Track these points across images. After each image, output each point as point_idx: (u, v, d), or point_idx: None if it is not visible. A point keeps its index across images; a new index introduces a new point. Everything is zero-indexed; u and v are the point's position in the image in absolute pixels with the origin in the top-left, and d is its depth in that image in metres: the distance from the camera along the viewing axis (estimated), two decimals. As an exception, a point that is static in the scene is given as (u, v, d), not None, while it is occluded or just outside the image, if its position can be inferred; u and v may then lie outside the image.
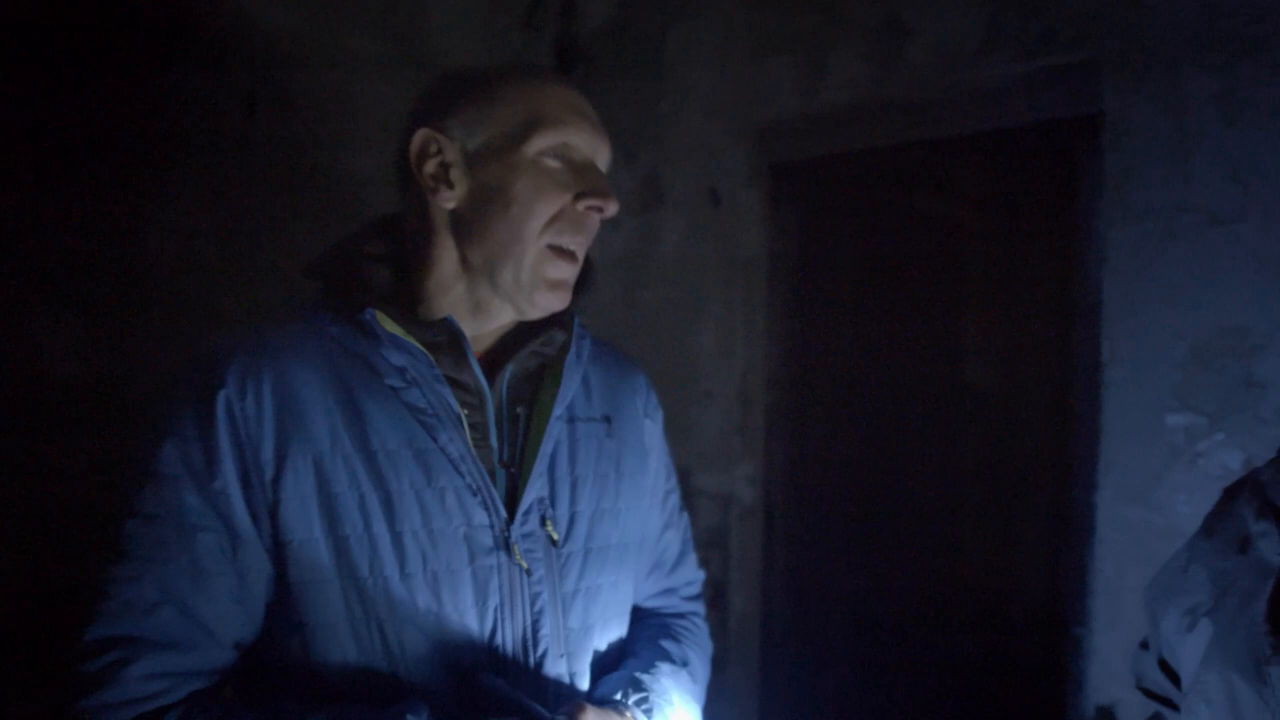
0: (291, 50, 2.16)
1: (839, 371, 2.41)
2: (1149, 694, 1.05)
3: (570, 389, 1.07)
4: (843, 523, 2.41)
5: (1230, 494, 0.96)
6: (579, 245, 1.02)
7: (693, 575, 1.29)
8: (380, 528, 0.94)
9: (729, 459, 2.29)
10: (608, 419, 1.12)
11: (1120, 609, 1.62)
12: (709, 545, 2.32)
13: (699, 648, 1.22)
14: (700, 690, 1.18)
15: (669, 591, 1.25)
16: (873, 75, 1.97)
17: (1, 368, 1.80)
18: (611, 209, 1.03)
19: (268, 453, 0.93)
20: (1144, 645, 1.08)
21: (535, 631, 0.99)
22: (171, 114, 2.00)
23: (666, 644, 1.16)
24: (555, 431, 1.04)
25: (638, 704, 1.03)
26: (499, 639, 0.98)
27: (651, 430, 1.20)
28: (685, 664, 1.15)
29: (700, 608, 1.29)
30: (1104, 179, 1.65)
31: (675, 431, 2.36)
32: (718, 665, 2.29)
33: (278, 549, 0.94)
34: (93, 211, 1.90)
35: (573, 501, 1.05)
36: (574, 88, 1.06)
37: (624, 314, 2.52)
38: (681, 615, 1.25)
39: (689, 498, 2.36)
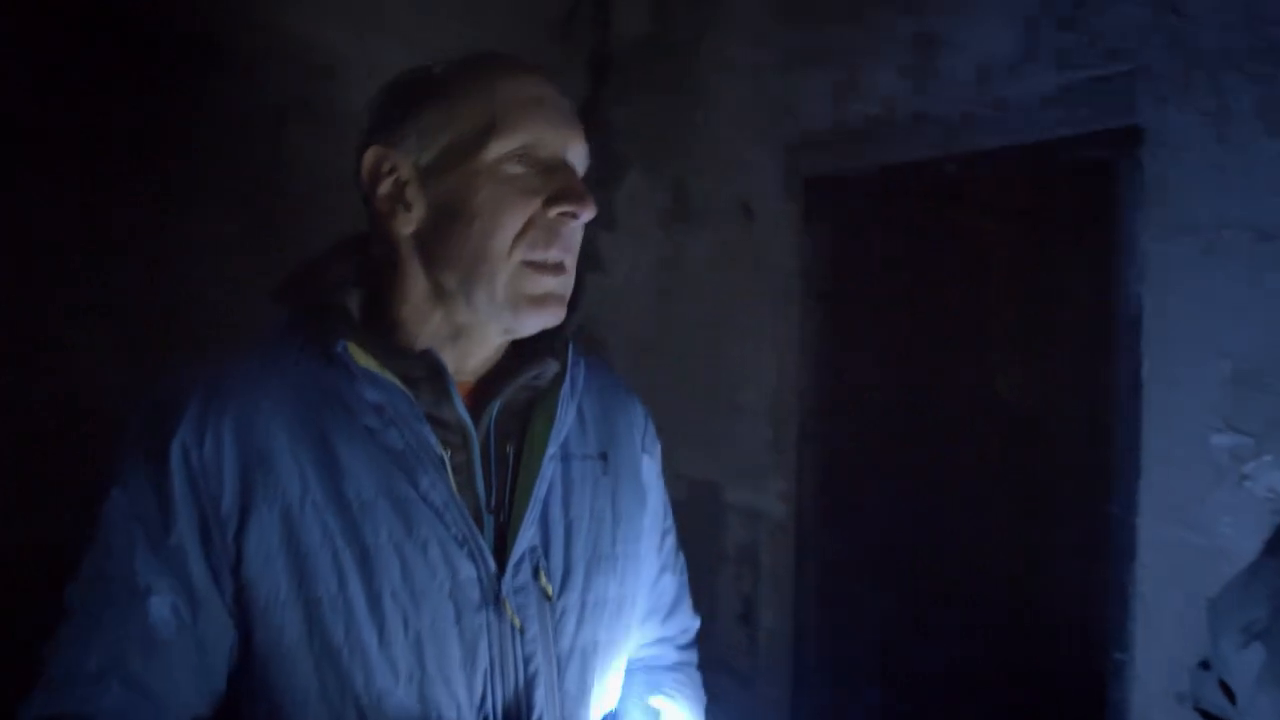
0: (323, 63, 2.18)
1: (871, 387, 2.38)
2: (1206, 715, 1.02)
3: (564, 424, 0.97)
4: (875, 540, 2.38)
5: None
6: (559, 256, 0.92)
7: (688, 623, 1.20)
8: (356, 588, 0.85)
9: (760, 474, 2.26)
10: (604, 455, 1.03)
11: (1161, 633, 1.57)
12: (740, 561, 2.30)
13: (690, 704, 1.12)
14: None
15: (662, 641, 1.16)
16: (906, 88, 1.95)
17: (36, 378, 1.82)
18: (587, 213, 0.92)
19: (229, 504, 0.84)
20: (1203, 665, 1.04)
21: (529, 696, 0.89)
22: (204, 126, 2.02)
23: (659, 702, 1.07)
24: (548, 471, 0.94)
25: None
26: (488, 707, 0.88)
27: (649, 467, 1.11)
28: None
29: (693, 657, 1.20)
30: (1143, 193, 1.62)
31: (706, 446, 2.35)
32: (747, 682, 2.27)
33: (241, 612, 0.85)
34: (125, 223, 1.92)
35: (568, 549, 0.95)
36: (535, 76, 0.95)
37: (654, 329, 2.51)
38: (674, 667, 1.16)
39: (720, 513, 2.34)
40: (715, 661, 2.37)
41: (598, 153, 2.79)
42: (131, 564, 0.83)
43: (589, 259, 2.65)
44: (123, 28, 1.91)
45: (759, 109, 2.26)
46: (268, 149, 2.10)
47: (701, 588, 2.35)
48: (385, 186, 0.92)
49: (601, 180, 2.62)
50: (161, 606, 0.83)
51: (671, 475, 2.45)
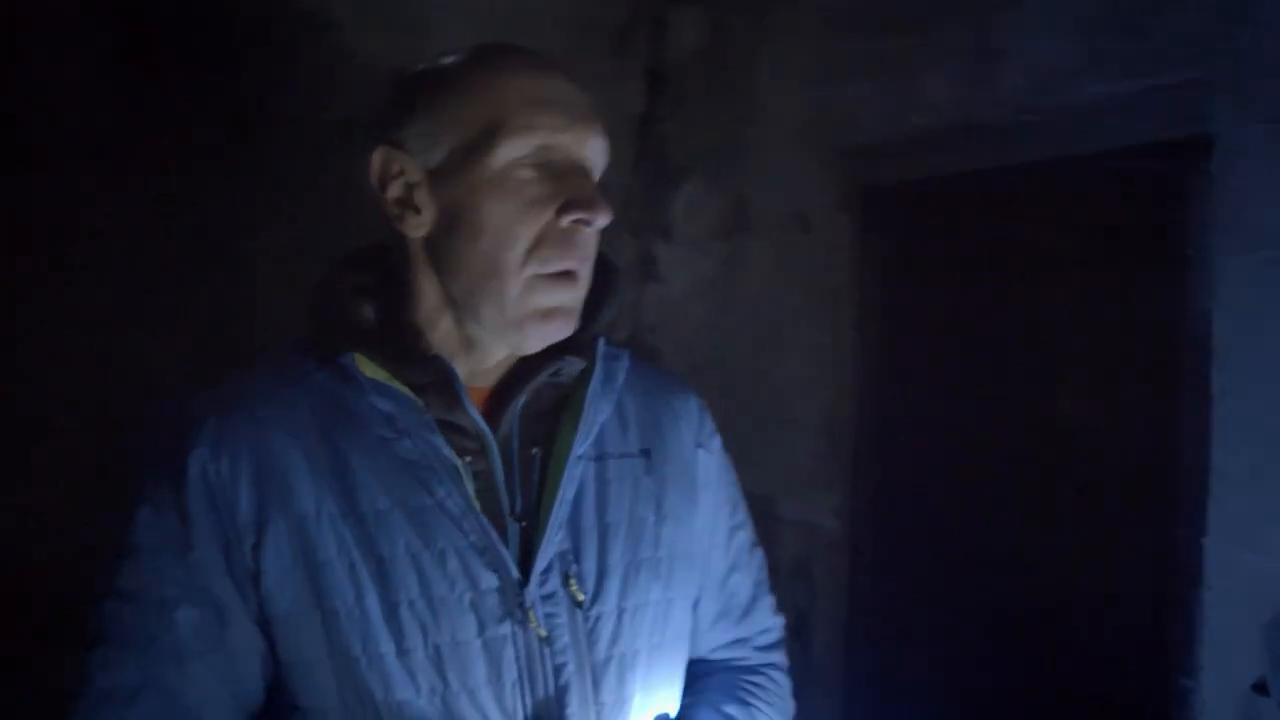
0: (384, 76, 2.22)
1: (929, 402, 2.34)
2: None
3: (594, 423, 0.94)
4: (930, 556, 2.34)
5: None
6: (573, 266, 0.88)
7: (769, 622, 1.14)
8: (372, 599, 0.84)
9: (814, 489, 2.25)
10: (646, 453, 0.99)
11: (1229, 659, 1.52)
12: (793, 575, 2.29)
13: (773, 709, 1.06)
14: None
15: (740, 642, 1.11)
16: (965, 98, 1.93)
17: (117, 380, 1.89)
18: (601, 219, 0.87)
19: (246, 518, 0.84)
20: (1258, 689, 1.00)
21: (561, 709, 0.86)
22: (272, 139, 2.08)
23: (731, 708, 1.01)
24: (577, 473, 0.91)
25: None
26: (519, 719, 0.86)
27: (706, 462, 1.06)
28: None
29: (779, 658, 1.14)
30: (1214, 205, 1.57)
31: (760, 459, 2.34)
32: (799, 695, 2.25)
33: (264, 624, 0.86)
34: (197, 235, 1.99)
35: (603, 554, 0.92)
36: (546, 71, 0.90)
37: (710, 339, 2.51)
38: (754, 670, 1.09)
39: (774, 526, 2.33)
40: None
41: (655, 163, 2.80)
42: (158, 580, 0.84)
43: (648, 269, 2.66)
44: (194, 44, 1.98)
45: (816, 119, 2.25)
46: (334, 161, 2.15)
47: (754, 601, 2.36)
48: (394, 189, 0.89)
49: (659, 191, 2.63)
50: (189, 620, 0.84)
51: (726, 486, 2.45)
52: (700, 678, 1.04)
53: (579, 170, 0.89)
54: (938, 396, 2.36)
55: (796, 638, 2.27)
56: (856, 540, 2.21)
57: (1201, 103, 1.59)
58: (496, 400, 0.93)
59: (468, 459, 0.88)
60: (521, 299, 0.87)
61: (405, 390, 0.87)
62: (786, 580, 2.30)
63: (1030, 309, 2.65)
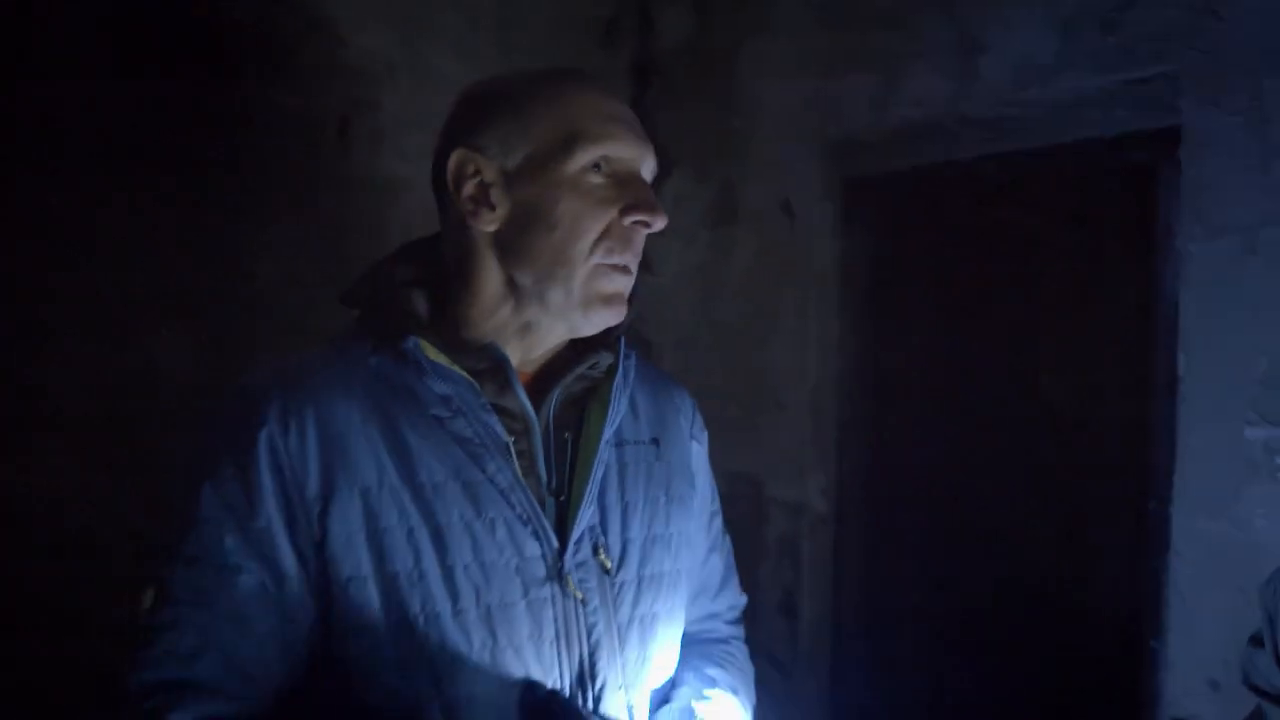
0: (382, 72, 2.27)
1: (911, 384, 2.42)
2: (1257, 690, 1.05)
3: (618, 412, 1.04)
4: (914, 534, 2.42)
5: None
6: (630, 260, 0.99)
7: (736, 599, 1.27)
8: (430, 563, 0.91)
9: (801, 469, 2.32)
10: (656, 441, 1.10)
11: (1196, 622, 1.61)
12: (781, 554, 2.36)
13: (743, 674, 1.20)
14: (750, 717, 1.16)
15: (713, 616, 1.23)
16: (947, 91, 2.00)
17: (122, 378, 1.93)
18: (659, 223, 0.99)
19: (313, 489, 0.90)
20: (1255, 642, 1.07)
21: (593, 664, 0.96)
22: (270, 135, 2.12)
23: (713, 671, 1.13)
24: (604, 456, 1.01)
25: None
26: (557, 673, 0.94)
27: (698, 452, 1.18)
28: (735, 692, 1.13)
29: (741, 632, 1.27)
30: (1182, 193, 1.65)
31: (748, 442, 2.41)
32: (787, 672, 2.33)
33: (325, 587, 0.91)
34: (199, 230, 2.02)
35: (624, 528, 1.02)
36: (611, 94, 1.01)
37: (698, 327, 2.57)
38: (724, 641, 1.23)
39: (763, 507, 2.40)
40: (757, 651, 2.42)
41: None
42: (222, 548, 0.89)
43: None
44: (193, 45, 2.01)
45: (800, 111, 2.31)
46: (331, 156, 2.19)
47: (743, 579, 2.41)
48: (469, 188, 0.98)
49: (646, 182, 2.68)
50: (250, 585, 0.89)
51: (714, 469, 2.51)
52: (680, 648, 1.14)
53: (638, 177, 1.00)
54: (919, 379, 2.45)
55: (784, 615, 2.35)
56: (842, 519, 2.29)
57: (1171, 95, 1.67)
58: (537, 388, 1.02)
59: (512, 439, 0.97)
60: (586, 284, 0.97)
61: (464, 374, 0.96)
62: (775, 559, 2.38)
63: (1008, 294, 2.74)
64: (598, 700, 0.96)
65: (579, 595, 0.96)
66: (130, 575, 2.00)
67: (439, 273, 1.03)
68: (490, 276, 0.99)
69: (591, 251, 0.96)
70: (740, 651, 1.24)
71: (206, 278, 2.03)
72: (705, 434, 1.22)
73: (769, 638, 2.36)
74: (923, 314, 2.43)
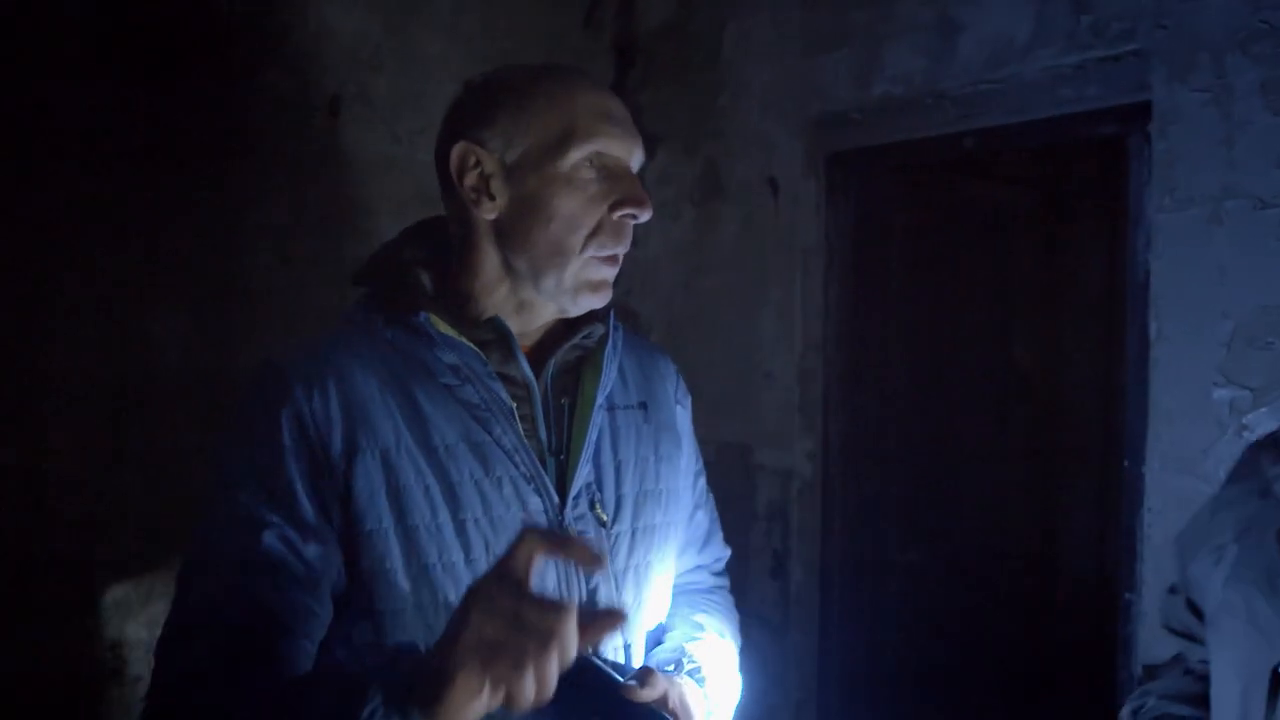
0: (370, 55, 2.29)
1: (893, 352, 2.50)
2: (1174, 632, 1.16)
3: (609, 379, 1.12)
4: (898, 496, 2.51)
5: (1254, 450, 1.06)
6: (620, 250, 1.06)
7: (720, 552, 1.36)
8: (444, 517, 0.99)
9: (788, 436, 2.39)
10: (644, 405, 1.18)
11: (1167, 574, 1.70)
12: (770, 518, 2.44)
13: (728, 620, 1.28)
14: (736, 659, 1.25)
15: (699, 568, 1.32)
16: (925, 68, 2.06)
17: (120, 360, 1.96)
18: (646, 215, 1.05)
19: (337, 448, 0.97)
20: (1172, 590, 1.17)
21: (592, 607, 1.03)
22: (262, 118, 2.14)
23: (701, 617, 1.22)
24: (598, 419, 1.09)
25: (691, 674, 1.10)
26: None
27: (682, 416, 1.26)
28: (721, 635, 1.21)
29: (726, 582, 1.36)
30: (1152, 166, 1.73)
31: (737, 411, 2.49)
32: (778, 632, 2.41)
33: (350, 540, 0.98)
34: (195, 213, 2.05)
35: (618, 485, 1.10)
36: (604, 91, 1.08)
37: (685, 301, 2.63)
38: (710, 590, 1.31)
39: (752, 473, 2.48)
40: (748, 613, 2.50)
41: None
42: (250, 503, 0.96)
43: (620, 235, 2.77)
44: (185, 29, 2.03)
45: (782, 89, 2.37)
46: (322, 137, 2.22)
47: (734, 544, 2.49)
48: (471, 178, 1.04)
49: (630, 159, 2.73)
50: (275, 538, 0.95)
51: (704, 438, 2.58)
52: (671, 597, 1.23)
53: (627, 171, 1.07)
54: (901, 347, 2.53)
55: (774, 578, 2.43)
56: (828, 484, 2.37)
57: (1140, 72, 1.74)
58: (535, 357, 1.10)
59: (516, 404, 1.05)
60: (578, 273, 1.05)
61: (471, 345, 1.03)
62: (764, 524, 2.46)
63: (986, 263, 2.82)
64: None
65: (572, 602, 1.04)
66: (131, 554, 2.04)
67: (445, 252, 1.10)
68: (490, 259, 1.07)
69: (585, 245, 1.03)
70: (725, 600, 1.32)
71: (201, 260, 2.05)
72: (689, 398, 1.31)
73: (760, 600, 2.45)
74: (904, 285, 2.51)
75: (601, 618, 0.80)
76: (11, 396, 1.88)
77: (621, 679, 0.97)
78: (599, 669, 0.98)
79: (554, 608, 0.75)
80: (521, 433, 1.04)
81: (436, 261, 1.10)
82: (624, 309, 2.79)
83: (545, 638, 0.74)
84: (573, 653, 0.75)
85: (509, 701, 0.75)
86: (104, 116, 1.93)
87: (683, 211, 2.62)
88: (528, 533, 0.78)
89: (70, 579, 1.95)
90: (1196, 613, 1.07)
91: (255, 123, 2.13)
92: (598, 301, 1.07)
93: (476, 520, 1.00)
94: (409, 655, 0.89)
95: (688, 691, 1.05)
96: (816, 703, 2.37)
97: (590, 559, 0.80)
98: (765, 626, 2.44)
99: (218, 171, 2.08)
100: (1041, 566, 2.99)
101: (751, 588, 2.46)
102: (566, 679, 0.87)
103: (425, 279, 1.07)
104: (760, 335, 2.45)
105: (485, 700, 0.75)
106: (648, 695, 0.96)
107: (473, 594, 0.77)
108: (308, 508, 0.97)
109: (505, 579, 0.77)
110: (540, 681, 0.74)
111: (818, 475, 2.36)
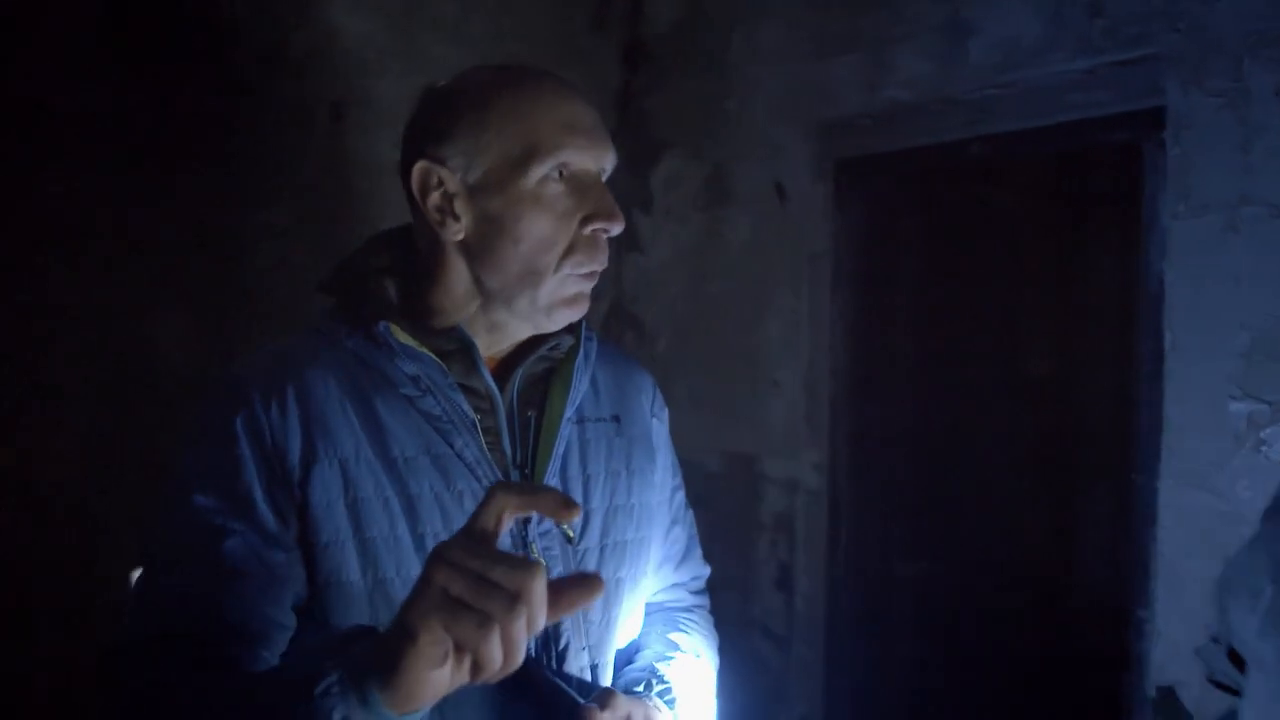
0: (374, 58, 2.28)
1: (902, 361, 2.46)
2: (1219, 686, 1.09)
3: (579, 391, 1.08)
4: (906, 508, 2.47)
5: None
6: (597, 265, 1.02)
7: (699, 570, 1.31)
8: (403, 530, 0.96)
9: (795, 446, 2.36)
10: (616, 418, 1.14)
11: (1182, 593, 1.66)
12: (776, 529, 2.40)
13: (706, 640, 1.24)
14: (713, 681, 1.21)
15: (676, 586, 1.28)
16: (936, 73, 2.02)
17: (122, 359, 1.96)
18: (618, 227, 1.01)
19: (295, 458, 0.95)
20: (1214, 639, 1.10)
21: (556, 626, 1.00)
22: (265, 122, 2.13)
23: (676, 636, 1.18)
24: (565, 433, 1.06)
25: (661, 695, 1.06)
26: None
27: (659, 429, 1.23)
28: (697, 655, 1.17)
29: (706, 601, 1.32)
30: (1166, 172, 1.69)
31: (743, 420, 2.45)
32: (784, 644, 2.37)
33: (307, 551, 0.95)
34: (196, 217, 2.04)
35: (586, 499, 1.07)
36: (569, 96, 1.02)
37: (691, 307, 2.60)
38: (689, 609, 1.27)
39: (758, 483, 2.44)
40: (754, 625, 2.48)
41: (634, 137, 2.86)
42: (207, 511, 0.93)
43: (628, 240, 2.74)
44: (183, 27, 2.02)
45: (791, 93, 2.34)
46: (324, 143, 2.20)
47: (740, 555, 2.47)
48: (434, 199, 1.00)
49: (638, 164, 2.71)
50: (235, 544, 0.92)
51: (709, 448, 2.55)
52: (645, 615, 1.19)
53: (596, 181, 1.02)
54: (910, 356, 2.49)
55: (779, 589, 2.40)
56: (836, 494, 2.33)
57: (1154, 77, 1.70)
58: (502, 368, 1.06)
59: (479, 416, 1.01)
60: (554, 292, 1.01)
61: (432, 355, 1.00)
62: (770, 535, 2.42)
63: (996, 272, 2.78)
64: (560, 659, 1.01)
65: (542, 562, 1.00)
66: (129, 548, 2.04)
67: (411, 261, 1.07)
68: (459, 278, 1.03)
69: (559, 264, 1.00)
70: (704, 619, 1.28)
71: (203, 263, 2.05)
72: (666, 411, 1.27)
73: (765, 612, 2.41)
74: (913, 292, 2.47)
75: (577, 583, 0.73)
76: (12, 399, 1.87)
77: (583, 700, 0.94)
78: (560, 689, 0.95)
79: (524, 565, 0.70)
80: (484, 445, 1.01)
81: (404, 270, 1.07)
82: (628, 316, 2.76)
83: (513, 597, 0.68)
84: (543, 618, 0.70)
85: (475, 670, 0.70)
86: (106, 120, 1.93)
87: (689, 217, 2.59)
88: (498, 488, 0.74)
89: (70, 581, 1.95)
90: (1240, 663, 1.01)
91: (257, 127, 2.12)
92: (574, 315, 1.04)
93: (436, 534, 0.97)
94: (369, 632, 0.84)
95: (654, 714, 1.01)
96: (822, 716, 2.33)
97: (563, 509, 0.74)
98: (770, 638, 2.40)
99: (219, 175, 2.07)
100: (1054, 581, 2.93)
101: (756, 599, 2.43)
102: (524, 696, 0.83)
103: (390, 288, 1.04)
104: (767, 343, 2.41)
105: (449, 670, 0.70)
106: (607, 719, 0.93)
107: (437, 553, 0.72)
108: (269, 516, 0.94)
109: (473, 537, 0.72)
110: (509, 647, 0.69)
111: (824, 486, 2.33)
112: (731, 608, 2.46)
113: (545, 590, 0.70)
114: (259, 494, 0.94)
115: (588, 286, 1.03)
